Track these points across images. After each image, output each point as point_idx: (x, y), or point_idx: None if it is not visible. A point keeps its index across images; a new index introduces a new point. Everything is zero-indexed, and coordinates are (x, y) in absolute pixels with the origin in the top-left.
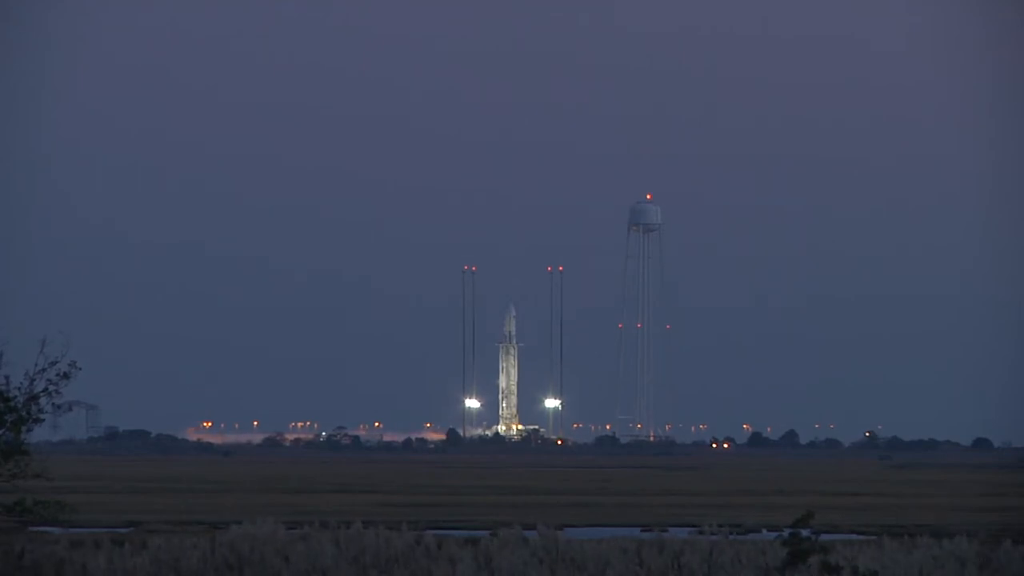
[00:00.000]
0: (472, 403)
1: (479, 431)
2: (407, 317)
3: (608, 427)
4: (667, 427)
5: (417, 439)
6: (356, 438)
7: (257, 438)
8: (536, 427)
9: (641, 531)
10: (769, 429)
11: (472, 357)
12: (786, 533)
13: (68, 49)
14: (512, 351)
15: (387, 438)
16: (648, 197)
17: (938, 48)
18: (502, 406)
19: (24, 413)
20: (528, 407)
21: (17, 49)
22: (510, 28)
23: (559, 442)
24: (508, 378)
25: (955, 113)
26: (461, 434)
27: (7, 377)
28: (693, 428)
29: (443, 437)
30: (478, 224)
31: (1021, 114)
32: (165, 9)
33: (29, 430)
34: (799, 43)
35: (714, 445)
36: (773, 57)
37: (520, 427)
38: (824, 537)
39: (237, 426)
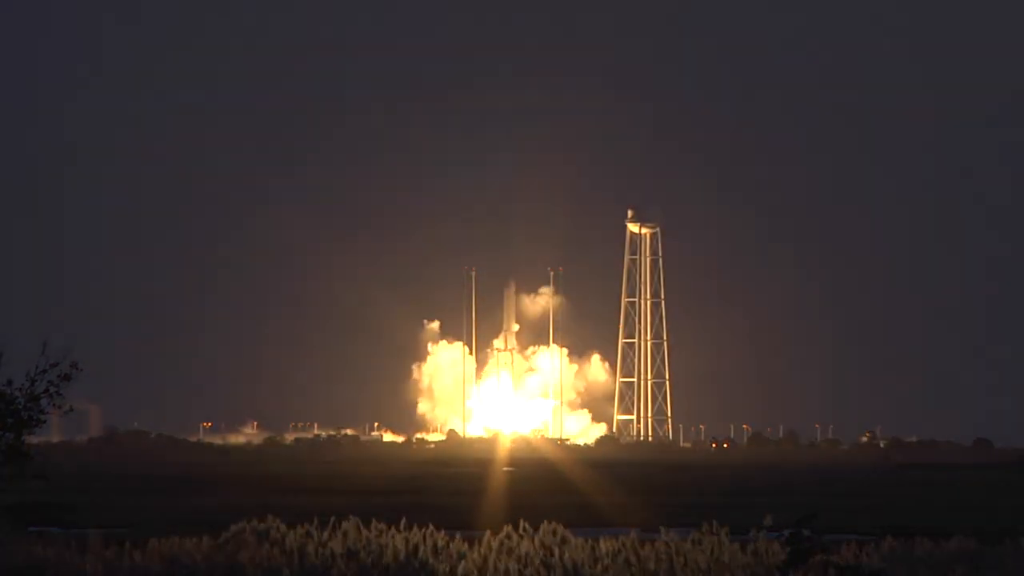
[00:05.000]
0: (472, 403)
1: (479, 432)
2: (407, 317)
3: (608, 427)
4: (667, 427)
5: (417, 439)
6: (356, 438)
7: (257, 438)
8: (536, 428)
9: (641, 531)
10: (769, 430)
11: (472, 358)
12: (787, 533)
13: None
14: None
15: (387, 438)
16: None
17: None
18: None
19: (25, 415)
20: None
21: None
22: (508, 25)
23: (559, 442)
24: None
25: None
26: (461, 435)
27: (9, 380)
28: (693, 428)
29: (443, 437)
30: (477, 224)
31: None
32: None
33: (31, 432)
34: (802, 37)
35: (714, 445)
36: (775, 53)
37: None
38: (825, 537)
39: (237, 426)
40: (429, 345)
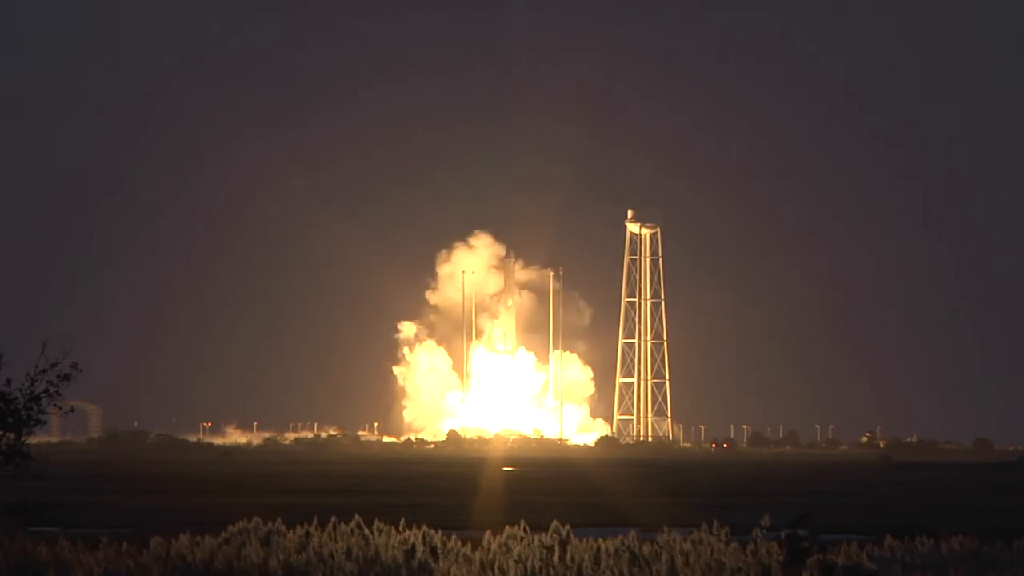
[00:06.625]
0: (468, 404)
1: (479, 432)
2: (404, 317)
3: (608, 427)
4: (667, 427)
5: (417, 439)
6: (356, 438)
7: (257, 438)
8: (536, 428)
9: (641, 531)
10: (769, 430)
11: (468, 358)
12: (783, 534)
13: None
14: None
15: (387, 438)
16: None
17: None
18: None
19: (25, 415)
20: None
21: None
22: (508, 23)
23: (559, 441)
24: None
25: None
26: (461, 435)
27: (8, 380)
28: (693, 428)
29: (443, 438)
30: (476, 225)
31: None
32: None
33: (31, 432)
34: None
35: (713, 446)
36: (776, 53)
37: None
38: (824, 537)
39: (237, 426)
40: (405, 350)
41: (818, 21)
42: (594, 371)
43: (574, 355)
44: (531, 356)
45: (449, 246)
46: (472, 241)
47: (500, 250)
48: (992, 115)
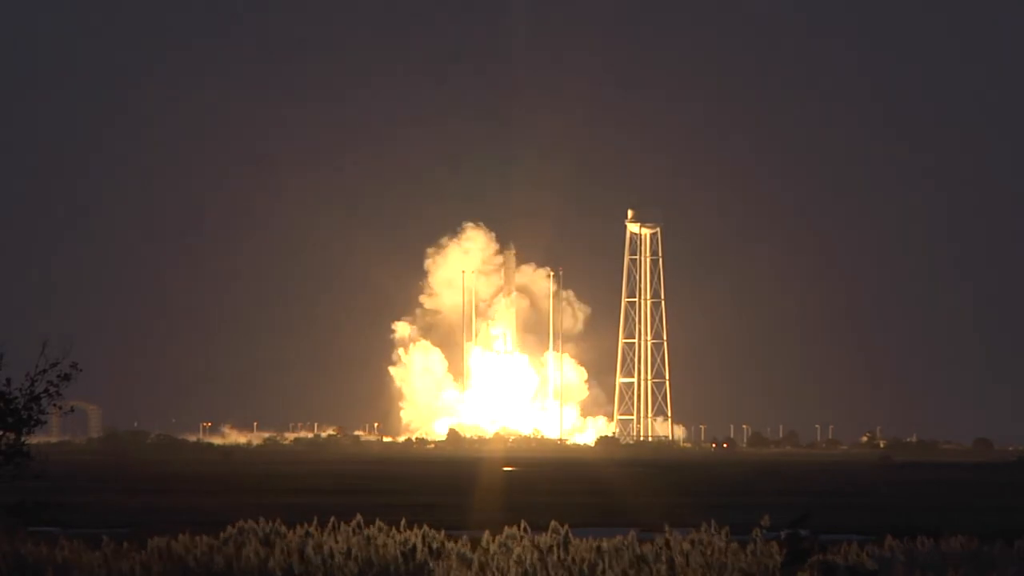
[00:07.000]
0: (467, 404)
1: (479, 431)
2: (404, 317)
3: (608, 426)
4: (667, 427)
5: (417, 439)
6: (356, 438)
7: (257, 438)
8: (536, 427)
9: (640, 531)
10: (769, 429)
11: (468, 358)
12: (783, 534)
13: None
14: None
15: (387, 438)
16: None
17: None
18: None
19: (25, 415)
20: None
21: None
22: (508, 23)
23: (559, 441)
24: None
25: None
26: (460, 433)
27: (8, 380)
28: (693, 428)
29: (442, 437)
30: (475, 225)
31: None
32: None
33: (31, 432)
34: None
35: (713, 446)
36: (777, 52)
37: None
38: (824, 537)
39: (234, 426)
40: (400, 351)
41: (819, 21)
42: (588, 372)
43: (567, 356)
44: (525, 357)
45: (438, 243)
46: (464, 238)
47: (493, 246)
48: (992, 115)
